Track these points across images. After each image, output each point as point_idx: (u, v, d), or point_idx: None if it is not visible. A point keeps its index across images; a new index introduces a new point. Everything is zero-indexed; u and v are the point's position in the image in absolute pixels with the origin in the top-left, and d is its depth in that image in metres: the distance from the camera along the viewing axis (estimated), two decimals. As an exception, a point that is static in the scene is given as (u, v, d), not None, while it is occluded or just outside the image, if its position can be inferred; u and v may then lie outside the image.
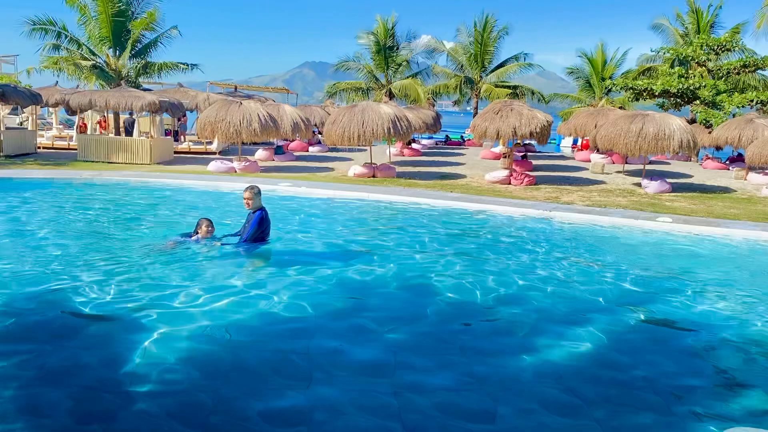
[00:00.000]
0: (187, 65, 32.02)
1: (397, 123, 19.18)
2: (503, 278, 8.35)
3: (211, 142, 24.20)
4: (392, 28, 40.32)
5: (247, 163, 19.63)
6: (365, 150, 21.49)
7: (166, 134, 25.01)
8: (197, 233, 8.80)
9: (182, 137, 27.49)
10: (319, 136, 28.68)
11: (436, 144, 37.06)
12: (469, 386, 5.19)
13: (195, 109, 28.14)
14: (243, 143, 20.89)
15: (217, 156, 23.04)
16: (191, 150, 24.75)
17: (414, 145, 30.83)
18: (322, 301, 7.07)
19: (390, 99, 36.27)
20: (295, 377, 5.22)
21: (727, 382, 5.61)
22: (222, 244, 8.74)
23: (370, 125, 18.79)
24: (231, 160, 19.82)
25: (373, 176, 19.14)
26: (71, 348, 5.62)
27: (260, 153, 23.50)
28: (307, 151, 28.68)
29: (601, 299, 7.65)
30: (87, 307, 6.47)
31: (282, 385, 5.06)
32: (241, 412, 4.58)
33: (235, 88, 34.38)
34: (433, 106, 36.54)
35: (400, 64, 41.25)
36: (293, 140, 28.00)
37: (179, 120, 27.97)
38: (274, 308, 6.73)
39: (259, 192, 8.72)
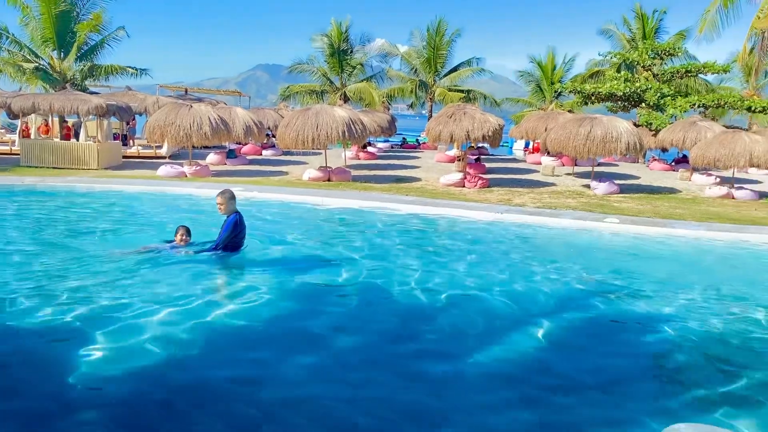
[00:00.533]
0: (136, 70, 31.31)
1: (352, 126, 19.13)
2: (454, 280, 8.39)
3: (160, 146, 23.67)
4: (346, 31, 40.33)
5: (198, 168, 19.26)
6: (320, 153, 21.37)
7: (115, 138, 24.32)
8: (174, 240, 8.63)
9: (131, 141, 26.79)
10: (273, 139, 28.39)
11: (392, 147, 37.15)
12: (419, 389, 5.19)
13: (144, 112, 27.48)
14: (194, 147, 20.51)
15: (167, 160, 22.54)
16: (140, 154, 24.14)
17: (369, 149, 30.81)
18: (275, 310, 6.97)
19: (345, 102, 36.22)
20: (245, 386, 5.12)
21: (669, 379, 5.75)
22: (195, 252, 8.48)
23: (324, 128, 18.69)
24: (181, 165, 19.41)
25: (329, 180, 19.04)
26: (13, 364, 5.38)
27: (212, 157, 23.10)
28: (261, 154, 28.35)
29: (549, 300, 7.77)
30: (25, 319, 6.21)
31: (232, 396, 4.95)
32: (187, 427, 4.46)
33: (186, 91, 33.78)
34: (388, 109, 36.68)
35: (354, 67, 41.28)
36: (246, 144, 27.65)
37: (128, 124, 27.26)
38: (225, 318, 6.59)
39: (232, 196, 8.42)
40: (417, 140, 39.84)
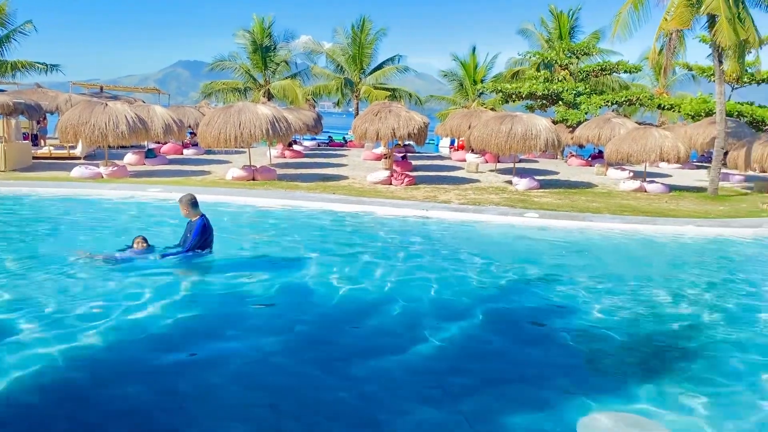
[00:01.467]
0: (46, 65, 29.68)
1: (276, 124, 18.83)
2: (380, 278, 8.39)
3: (74, 147, 22.53)
4: (269, 27, 39.69)
5: (115, 168, 18.46)
6: (244, 152, 20.93)
7: (24, 138, 22.98)
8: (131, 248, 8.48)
9: (42, 141, 25.41)
10: (195, 138, 27.60)
11: (318, 145, 36.90)
12: (348, 389, 5.14)
13: (56, 111, 26.13)
14: (110, 147, 19.64)
15: (81, 161, 21.48)
16: (53, 155, 22.89)
17: (295, 147, 30.50)
18: (199, 314, 6.75)
19: (269, 100, 35.66)
20: (166, 395, 4.92)
21: (587, 368, 5.94)
22: (163, 255, 8.34)
23: (247, 126, 18.30)
24: (97, 165, 18.55)
25: (253, 179, 18.67)
26: None
27: (129, 157, 22.19)
28: (182, 154, 27.49)
29: (472, 294, 7.91)
30: None
31: (150, 405, 4.74)
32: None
33: (101, 89, 32.35)
34: (314, 107, 36.38)
35: (278, 64, 40.70)
36: (166, 143, 26.75)
37: (38, 123, 25.84)
38: (145, 323, 6.32)
39: (193, 200, 8.39)
40: (344, 138, 39.75)
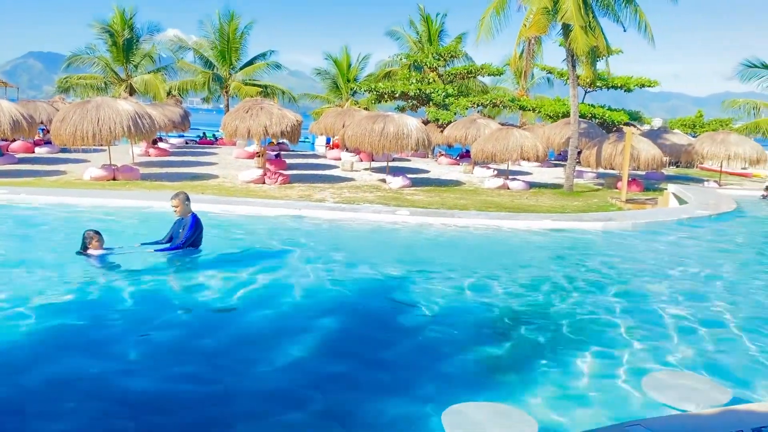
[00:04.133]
0: None
1: (139, 121, 17.81)
2: (249, 280, 8.15)
3: None
4: (131, 18, 37.45)
5: (-48, 168, 16.59)
6: (105, 150, 19.60)
7: None
8: (88, 249, 8.28)
9: None
10: (48, 135, 25.45)
11: (187, 143, 35.43)
12: (215, 397, 4.94)
13: None
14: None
15: None
16: None
17: (161, 145, 29.06)
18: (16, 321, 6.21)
19: (131, 95, 33.71)
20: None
21: (446, 361, 6.06)
22: (157, 250, 8.66)
23: (106, 123, 17.15)
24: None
25: (113, 179, 17.54)
26: None
27: (-30, 156, 20.05)
28: (33, 152, 25.28)
29: (346, 293, 7.92)
30: None
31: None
32: None
33: (-66, 79, 28.91)
34: (180, 103, 34.88)
35: (142, 58, 38.53)
36: (14, 140, 24.45)
37: None
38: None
39: (187, 198, 8.86)
40: (214, 136, 38.45)
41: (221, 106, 42.98)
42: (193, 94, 42.33)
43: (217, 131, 39.10)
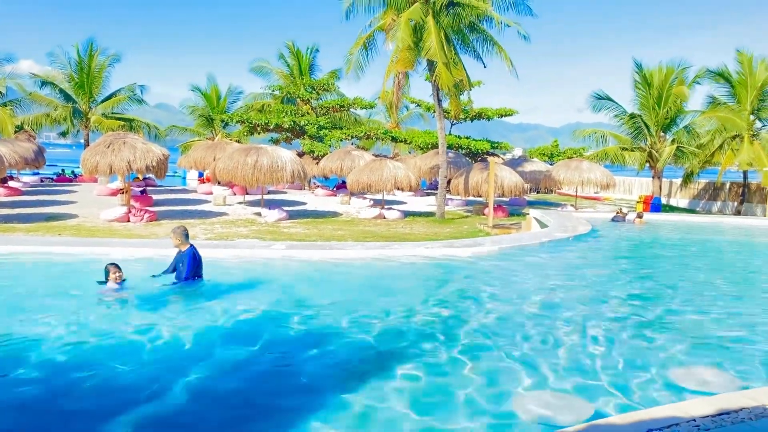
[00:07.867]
0: None
1: (-17, 158, 16.26)
2: (91, 329, 7.59)
3: None
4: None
5: None
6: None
7: None
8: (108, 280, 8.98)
9: None
10: None
11: (42, 181, 32.87)
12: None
13: None
14: None
15: None
16: None
17: (12, 183, 26.76)
18: None
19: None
20: None
21: (314, 389, 5.99)
22: (174, 283, 9.27)
23: (-57, 161, 15.50)
24: None
25: (-47, 223, 15.81)
26: None
27: None
28: None
29: (213, 331, 7.59)
30: None
31: None
32: None
33: None
34: (34, 138, 32.40)
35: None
36: None
37: None
38: None
39: (187, 232, 9.68)
40: (73, 172, 35.96)
41: (81, 140, 40.33)
42: (48, 129, 39.43)
43: (77, 167, 36.66)
